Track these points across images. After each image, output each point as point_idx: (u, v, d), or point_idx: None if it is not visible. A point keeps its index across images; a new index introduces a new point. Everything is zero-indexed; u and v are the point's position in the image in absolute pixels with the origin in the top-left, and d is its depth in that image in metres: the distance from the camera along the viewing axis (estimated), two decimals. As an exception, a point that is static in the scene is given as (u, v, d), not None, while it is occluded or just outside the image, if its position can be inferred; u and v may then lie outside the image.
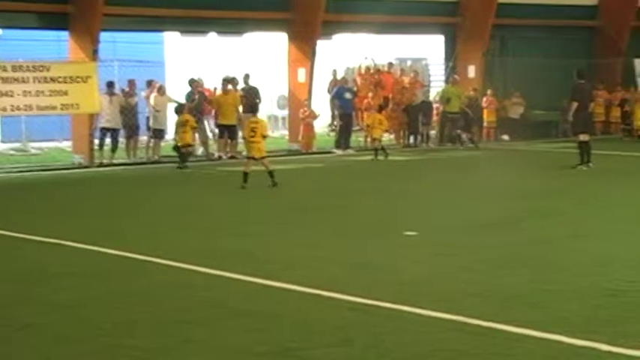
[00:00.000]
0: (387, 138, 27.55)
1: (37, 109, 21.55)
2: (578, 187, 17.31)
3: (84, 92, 21.69)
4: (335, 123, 26.36)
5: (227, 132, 23.73)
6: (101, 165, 22.39)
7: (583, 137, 19.83)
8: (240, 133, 23.12)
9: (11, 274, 10.15)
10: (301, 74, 26.15)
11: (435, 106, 27.89)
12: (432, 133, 28.08)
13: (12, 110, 21.31)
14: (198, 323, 7.71)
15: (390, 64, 29.06)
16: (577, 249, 10.88)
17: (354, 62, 29.36)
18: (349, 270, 9.83)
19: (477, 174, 20.13)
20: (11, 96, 20.90)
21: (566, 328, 7.25)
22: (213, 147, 24.46)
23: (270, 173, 17.23)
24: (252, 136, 17.27)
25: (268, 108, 31.00)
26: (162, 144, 23.85)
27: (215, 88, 24.49)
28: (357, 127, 27.15)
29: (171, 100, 23.24)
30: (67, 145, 25.10)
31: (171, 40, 30.64)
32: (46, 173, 21.46)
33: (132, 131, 23.20)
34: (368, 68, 28.31)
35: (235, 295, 8.83)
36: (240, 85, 24.44)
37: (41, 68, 21.36)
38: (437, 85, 29.52)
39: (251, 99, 24.02)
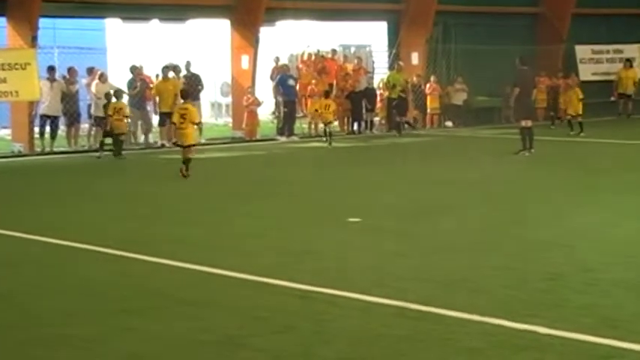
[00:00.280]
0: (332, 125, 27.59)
1: (-25, 97, 21.18)
2: (520, 173, 17.48)
3: (23, 79, 21.31)
4: (278, 110, 26.27)
5: (168, 119, 23.52)
6: (42, 153, 22.08)
7: (525, 123, 20.01)
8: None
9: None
10: (244, 61, 26.01)
11: (378, 92, 27.93)
12: (376, 119, 28.14)
13: (-50, 98, 20.93)
14: (139, 312, 7.65)
15: (334, 51, 29.04)
16: (517, 235, 10.98)
17: (297, 49, 29.28)
18: (292, 257, 9.82)
19: (419, 160, 20.25)
20: (-51, 83, 20.53)
21: (506, 312, 7.33)
22: (155, 135, 24.26)
23: (188, 161, 16.75)
24: (182, 123, 17.01)
25: (212, 95, 30.83)
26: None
27: (157, 75, 24.27)
28: (301, 114, 27.12)
29: (112, 87, 22.94)
30: (6, 133, 24.69)
31: (113, 26, 30.28)
32: (-15, 162, 21.10)
33: (73, 119, 22.89)
34: (310, 55, 28.27)
35: (177, 283, 8.77)
36: (183, 73, 24.26)
37: (-21, 55, 20.98)
38: (381, 71, 29.56)
39: (193, 86, 23.92)
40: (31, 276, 9.25)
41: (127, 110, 21.20)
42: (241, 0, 25.42)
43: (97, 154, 20.89)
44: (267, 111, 27.77)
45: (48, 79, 22.21)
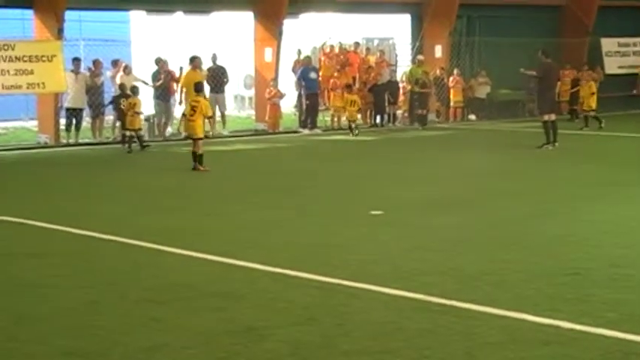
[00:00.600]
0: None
1: (2, 89, 21.31)
2: (543, 166, 17.40)
3: (49, 71, 21.46)
4: (300, 103, 26.26)
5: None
6: (67, 145, 22.22)
7: (548, 117, 19.92)
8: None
9: (-28, 254, 10.08)
10: (268, 54, 26.04)
11: (401, 85, 27.88)
12: (399, 112, 28.09)
13: (-23, 90, 21.10)
14: (162, 303, 7.71)
15: (357, 44, 29.01)
16: (539, 229, 10.95)
17: (319, 42, 29.26)
18: (314, 249, 9.85)
19: (441, 154, 20.21)
20: (-24, 75, 20.69)
21: (528, 307, 7.32)
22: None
23: (199, 157, 16.74)
24: (192, 115, 17.03)
25: (235, 88, 30.86)
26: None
27: (181, 68, 24.32)
28: (324, 107, 27.12)
29: (137, 80, 23.05)
30: (32, 124, 24.86)
31: (138, 18, 30.37)
32: (11, 153, 21.23)
33: (98, 111, 23.01)
34: (332, 47, 28.26)
35: (200, 275, 8.82)
36: (208, 65, 24.35)
37: (6, 47, 21.11)
38: (404, 64, 29.49)
39: (218, 79, 24.07)
40: (56, 266, 9.32)
41: (140, 106, 21.04)
42: (265, -8, 25.46)
43: (125, 147, 20.90)
44: (289, 104, 27.80)
45: (72, 71, 22.33)
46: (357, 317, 7.17)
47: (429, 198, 13.47)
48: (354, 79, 26.59)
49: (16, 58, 21.10)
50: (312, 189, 14.77)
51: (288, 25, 26.82)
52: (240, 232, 11.05)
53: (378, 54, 28.47)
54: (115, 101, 21.84)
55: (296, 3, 26.11)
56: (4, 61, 20.96)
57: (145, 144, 21.02)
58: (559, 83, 22.17)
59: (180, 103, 23.69)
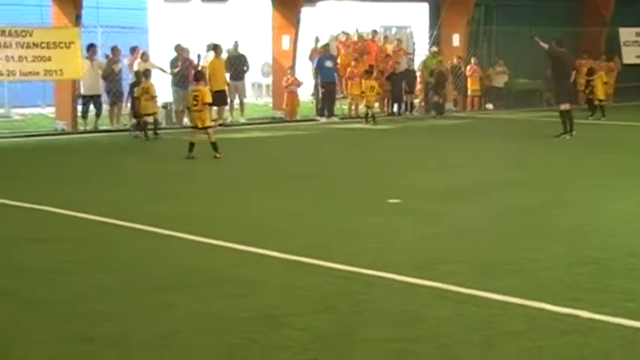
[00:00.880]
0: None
1: (20, 75, 21.39)
2: (560, 156, 17.32)
3: (67, 58, 21.49)
4: (316, 91, 26.23)
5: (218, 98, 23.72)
6: (84, 132, 22.26)
7: (564, 106, 19.84)
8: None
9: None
10: (285, 41, 26.01)
11: (418, 74, 27.81)
12: (416, 101, 28.03)
13: (-5, 76, 21.16)
14: (179, 289, 7.69)
15: (375, 32, 28.94)
16: (557, 218, 10.89)
17: (336, 30, 29.20)
18: (331, 237, 9.82)
19: (459, 143, 20.14)
20: (-6, 61, 20.74)
21: (547, 296, 7.27)
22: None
23: (214, 145, 16.74)
24: (195, 105, 16.95)
25: (252, 75, 30.85)
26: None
27: (198, 55, 24.32)
28: (341, 95, 27.08)
29: (154, 67, 23.06)
30: (49, 111, 24.92)
31: (155, 5, 30.37)
32: (29, 139, 21.31)
33: (116, 98, 23.02)
34: (348, 37, 28.19)
35: (216, 261, 8.81)
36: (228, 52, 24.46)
37: (24, 33, 21.15)
38: (421, 53, 29.41)
39: (238, 66, 24.18)
40: (71, 252, 9.33)
41: (154, 90, 20.94)
42: (283, -20, 25.43)
43: (140, 134, 20.90)
44: (307, 92, 27.76)
45: (87, 57, 22.33)
46: (376, 305, 7.15)
47: (447, 186, 13.42)
48: (371, 66, 26.53)
49: (33, 44, 21.14)
50: (330, 177, 14.74)
51: (306, 13, 26.76)
52: (257, 219, 11.03)
53: (396, 42, 28.39)
54: (131, 89, 21.86)
55: (314, -9, 26.10)
56: (22, 47, 21.00)
57: (157, 132, 20.92)
58: (574, 73, 22.00)
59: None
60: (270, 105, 27.54)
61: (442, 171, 15.32)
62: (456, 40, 28.51)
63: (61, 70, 21.54)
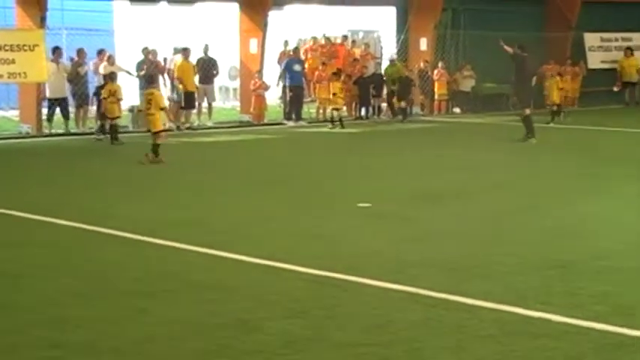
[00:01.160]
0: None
1: (-17, 78, 21.14)
2: (527, 160, 17.38)
3: (31, 61, 21.25)
4: (284, 95, 26.20)
5: (187, 101, 23.65)
6: (49, 135, 22.05)
7: (528, 111, 20.10)
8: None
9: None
10: (253, 45, 25.93)
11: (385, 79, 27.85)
12: (383, 105, 28.06)
13: (-42, 78, 20.90)
14: (150, 294, 7.64)
15: (344, 37, 29.01)
16: (526, 221, 10.96)
17: (305, 34, 29.18)
18: (302, 241, 9.81)
19: (427, 147, 20.19)
20: (-43, 64, 20.50)
21: (519, 300, 7.30)
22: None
23: (155, 147, 16.49)
24: (148, 108, 16.82)
25: (219, 79, 30.75)
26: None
27: (165, 59, 24.20)
28: (309, 99, 27.07)
29: (121, 70, 22.92)
30: (13, 114, 24.64)
31: (121, 8, 30.16)
32: (-7, 143, 21.08)
33: (82, 101, 22.82)
34: (315, 40, 28.19)
35: (187, 266, 8.76)
36: (198, 55, 24.39)
37: (-13, 36, 20.92)
38: (389, 57, 29.45)
39: (208, 70, 24.15)
40: (39, 256, 9.25)
41: (121, 93, 20.68)
42: (250, -17, 25.36)
43: (101, 137, 20.74)
44: (275, 95, 27.71)
45: (52, 60, 22.12)
46: (348, 310, 7.14)
47: (416, 190, 13.45)
48: (339, 70, 26.54)
49: (-4, 47, 20.92)
50: (298, 181, 14.72)
51: (274, 16, 26.73)
52: (226, 223, 10.98)
53: (364, 47, 28.44)
54: (97, 92, 21.70)
55: (281, -6, 26.06)
56: (-14, 50, 20.77)
57: (117, 137, 20.64)
58: (534, 78, 22.24)
59: (173, 91, 23.71)
60: (238, 109, 27.45)
61: (410, 175, 15.35)
62: (424, 44, 28.59)
63: (25, 72, 21.30)
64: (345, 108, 26.02)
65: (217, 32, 28.79)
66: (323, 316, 6.97)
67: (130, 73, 23.22)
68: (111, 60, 22.90)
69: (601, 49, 32.47)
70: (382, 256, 9.01)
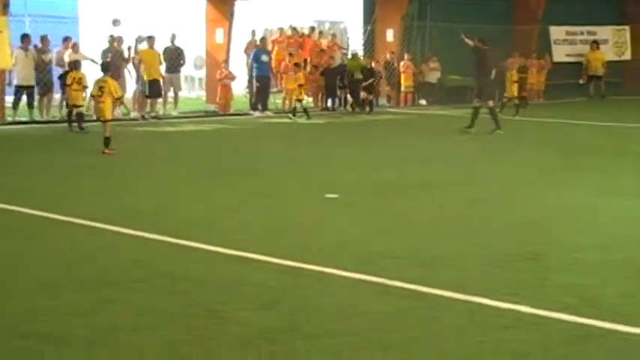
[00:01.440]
0: (305, 100, 27.56)
1: (-56, 65, 20.85)
2: (495, 151, 17.53)
3: (-5, 48, 21.03)
4: (251, 85, 26.13)
5: (154, 88, 23.48)
6: (12, 123, 21.80)
7: (491, 103, 20.26)
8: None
9: None
10: (219, 35, 25.86)
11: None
12: (349, 96, 28.06)
13: None
14: (120, 285, 7.56)
15: (312, 29, 28.96)
16: (495, 214, 11.01)
17: (272, 24, 29.10)
18: (271, 232, 9.77)
19: (394, 138, 20.25)
20: None
21: (489, 291, 7.31)
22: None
23: (106, 139, 16.28)
24: (100, 96, 16.59)
25: (185, 68, 30.60)
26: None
27: (129, 47, 24.00)
28: (276, 89, 27.01)
29: (85, 58, 22.72)
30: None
31: (86, -5, 29.90)
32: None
33: (46, 88, 22.60)
34: (282, 30, 28.11)
35: (157, 256, 8.68)
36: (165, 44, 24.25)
37: (-51, 23, 20.63)
38: (355, 48, 29.47)
39: (174, 59, 24.02)
40: (5, 246, 9.13)
41: (86, 80, 20.39)
42: (217, -28, 25.25)
43: (73, 126, 20.52)
44: (240, 85, 27.63)
45: (21, 47, 21.88)
46: (319, 301, 7.11)
47: (383, 181, 13.47)
48: (305, 61, 26.54)
49: (-41, 34, 20.63)
50: (265, 171, 14.67)
51: (240, 6, 26.63)
52: (194, 214, 10.92)
53: (330, 37, 28.43)
54: (62, 78, 21.48)
55: (248, -16, 25.96)
56: (-53, 37, 20.48)
57: (81, 126, 20.44)
58: (493, 71, 22.43)
59: (138, 81, 23.52)
60: (203, 98, 27.35)
61: (377, 166, 15.36)
62: (390, 35, 28.65)
63: (-12, 59, 21.06)
64: (309, 99, 26.00)
65: (183, 21, 28.64)
66: (295, 307, 6.95)
67: (94, 61, 23.01)
68: (75, 47, 22.69)
69: (566, 43, 32.71)
70: (352, 248, 9.00)
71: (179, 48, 24.71)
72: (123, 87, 23.71)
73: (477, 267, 8.23)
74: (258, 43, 26.21)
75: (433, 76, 29.18)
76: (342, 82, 27.20)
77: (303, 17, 29.87)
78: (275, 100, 27.08)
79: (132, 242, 9.31)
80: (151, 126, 22.00)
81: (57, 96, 23.29)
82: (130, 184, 13.23)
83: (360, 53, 28.37)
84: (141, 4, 29.70)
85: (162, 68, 23.89)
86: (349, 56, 28.06)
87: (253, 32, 26.89)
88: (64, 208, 10.90)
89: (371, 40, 28.48)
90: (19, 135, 20.27)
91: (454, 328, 6.49)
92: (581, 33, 33.12)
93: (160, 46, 24.07)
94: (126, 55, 23.61)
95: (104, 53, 23.20)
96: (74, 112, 20.45)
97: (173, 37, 24.65)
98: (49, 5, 26.27)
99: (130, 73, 23.83)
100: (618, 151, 17.55)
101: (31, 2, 26.04)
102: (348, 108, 27.33)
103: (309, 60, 27.14)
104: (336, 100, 27.41)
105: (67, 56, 22.34)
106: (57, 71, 22.91)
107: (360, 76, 26.38)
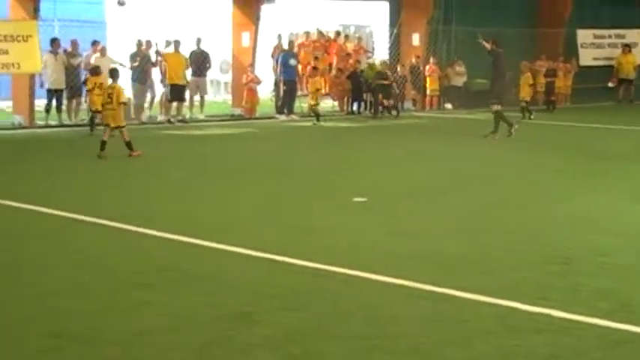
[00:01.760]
0: (331, 105, 27.59)
1: (-23, 69, 21.03)
2: (521, 155, 17.38)
3: (25, 51, 21.15)
4: (278, 89, 26.14)
5: (177, 93, 23.53)
6: (43, 126, 21.94)
7: (496, 107, 20.17)
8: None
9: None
10: (245, 38, 25.88)
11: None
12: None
13: (-49, 69, 20.78)
14: (149, 286, 7.58)
15: (338, 33, 28.95)
16: (522, 215, 10.98)
17: (297, 28, 29.13)
18: (299, 234, 9.76)
19: (419, 141, 20.17)
20: (-50, 54, 20.38)
21: (519, 295, 7.28)
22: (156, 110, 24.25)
23: (128, 144, 16.35)
24: (109, 103, 16.62)
25: (210, 72, 30.70)
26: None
27: (156, 52, 24.05)
28: (301, 93, 27.01)
29: (113, 62, 22.79)
30: (6, 105, 24.51)
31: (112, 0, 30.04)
32: (-15, 134, 20.96)
33: (74, 92, 22.72)
34: (308, 34, 28.10)
35: (186, 258, 8.70)
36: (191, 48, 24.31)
37: (-19, 27, 20.79)
38: (382, 52, 29.43)
39: (200, 63, 24.06)
40: (36, 247, 9.18)
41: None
42: (243, -24, 25.29)
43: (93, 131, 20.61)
44: (267, 89, 27.66)
45: (51, 51, 22.03)
46: (349, 303, 7.09)
47: (410, 184, 13.44)
48: (330, 65, 26.52)
49: (-9, 37, 20.80)
50: (292, 174, 14.67)
51: (266, 10, 26.66)
52: (222, 215, 10.94)
53: (356, 41, 28.40)
54: (86, 82, 21.57)
55: (274, -12, 26.00)
56: (-21, 41, 20.65)
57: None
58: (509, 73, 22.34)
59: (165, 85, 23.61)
60: (229, 102, 27.39)
61: (404, 169, 15.33)
62: (416, 39, 28.55)
63: (18, 63, 21.20)
64: (334, 103, 25.92)
65: (209, 25, 28.72)
66: (324, 309, 6.93)
67: (122, 65, 23.07)
68: (103, 52, 22.80)
69: (593, 46, 32.47)
70: (381, 251, 8.97)
71: (205, 52, 24.76)
72: (152, 90, 23.92)
73: (506, 270, 8.19)
74: (284, 47, 26.22)
75: (459, 80, 29.06)
76: (368, 86, 27.12)
77: (328, 21, 29.86)
78: (301, 103, 27.07)
79: (160, 244, 9.31)
80: (177, 129, 22.06)
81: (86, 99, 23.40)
82: (153, 187, 13.26)
83: (385, 57, 28.29)
84: (168, 8, 29.80)
85: (189, 72, 23.93)
86: (365, 65, 27.85)
87: (279, 36, 26.91)
88: (91, 209, 10.91)
89: (397, 44, 28.40)
90: (48, 138, 20.37)
91: (484, 331, 6.46)
92: (609, 36, 32.84)
93: (186, 50, 24.12)
94: (153, 59, 23.67)
95: (132, 57, 23.30)
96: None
97: (199, 41, 24.70)
98: (77, 10, 26.45)
99: (160, 79, 23.89)
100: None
101: (59, 7, 26.22)
102: (367, 112, 27.28)
103: (334, 64, 27.11)
104: (362, 104, 27.34)
105: (94, 60, 22.43)
106: (85, 75, 23.03)
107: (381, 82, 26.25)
